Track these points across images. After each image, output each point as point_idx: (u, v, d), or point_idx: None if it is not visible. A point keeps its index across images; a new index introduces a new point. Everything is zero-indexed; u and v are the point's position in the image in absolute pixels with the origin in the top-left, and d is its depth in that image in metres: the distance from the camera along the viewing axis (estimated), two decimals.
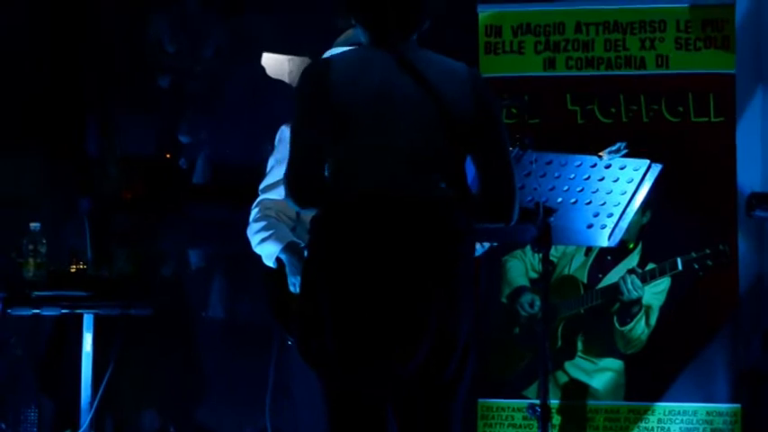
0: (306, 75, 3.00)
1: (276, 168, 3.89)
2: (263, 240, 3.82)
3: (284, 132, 3.91)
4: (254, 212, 3.88)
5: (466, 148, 2.97)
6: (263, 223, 3.84)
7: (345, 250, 2.86)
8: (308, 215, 3.82)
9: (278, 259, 3.78)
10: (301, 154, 2.93)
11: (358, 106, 2.90)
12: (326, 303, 2.87)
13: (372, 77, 2.92)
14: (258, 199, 3.90)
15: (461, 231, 2.90)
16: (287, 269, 3.75)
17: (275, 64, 5.82)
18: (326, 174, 2.95)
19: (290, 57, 5.80)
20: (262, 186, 3.92)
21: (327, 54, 3.87)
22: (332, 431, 2.93)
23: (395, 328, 2.85)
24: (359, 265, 2.85)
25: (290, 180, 2.93)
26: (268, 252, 3.80)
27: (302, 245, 3.78)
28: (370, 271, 2.85)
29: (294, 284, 3.74)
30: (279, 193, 3.87)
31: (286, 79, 5.77)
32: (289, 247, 3.76)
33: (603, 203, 3.56)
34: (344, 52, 3.07)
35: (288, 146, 3.95)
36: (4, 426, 4.96)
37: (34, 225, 4.32)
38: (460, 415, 2.98)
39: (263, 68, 5.81)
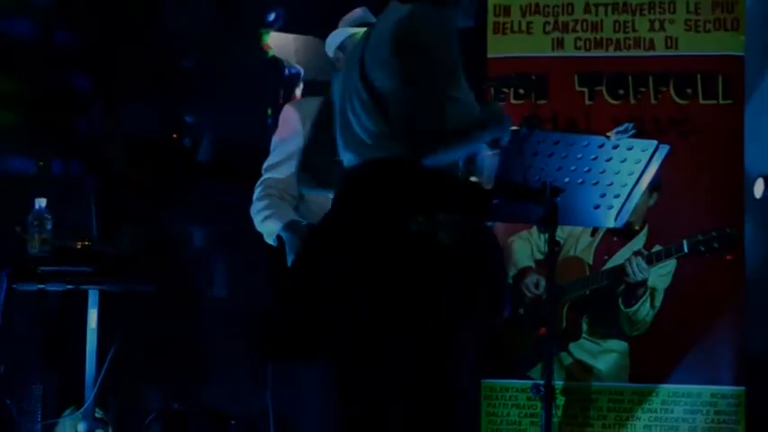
0: None
1: (279, 147, 3.89)
2: (265, 219, 3.83)
3: (287, 111, 3.91)
4: (257, 191, 3.90)
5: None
6: (265, 202, 3.85)
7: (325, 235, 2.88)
8: (310, 194, 3.84)
9: (278, 237, 3.78)
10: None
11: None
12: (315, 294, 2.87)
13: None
14: (262, 178, 3.91)
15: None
16: (286, 247, 3.75)
17: (281, 43, 5.79)
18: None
19: (295, 36, 5.78)
20: (265, 165, 3.92)
21: (333, 34, 3.87)
22: (341, 417, 2.94)
23: (394, 316, 2.84)
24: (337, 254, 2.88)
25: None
26: (269, 230, 3.81)
27: (303, 223, 3.78)
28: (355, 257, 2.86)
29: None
30: (282, 172, 3.88)
31: (292, 58, 5.75)
32: (289, 226, 3.77)
33: (610, 184, 3.54)
34: None
35: (290, 125, 3.95)
36: (9, 402, 4.97)
37: (39, 200, 4.31)
38: (469, 399, 2.97)
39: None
